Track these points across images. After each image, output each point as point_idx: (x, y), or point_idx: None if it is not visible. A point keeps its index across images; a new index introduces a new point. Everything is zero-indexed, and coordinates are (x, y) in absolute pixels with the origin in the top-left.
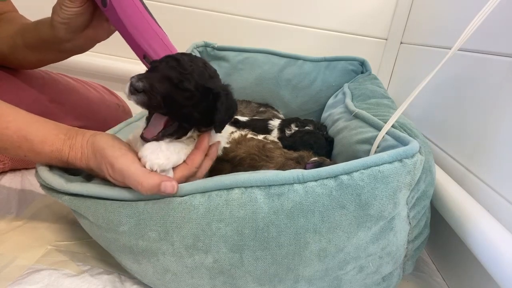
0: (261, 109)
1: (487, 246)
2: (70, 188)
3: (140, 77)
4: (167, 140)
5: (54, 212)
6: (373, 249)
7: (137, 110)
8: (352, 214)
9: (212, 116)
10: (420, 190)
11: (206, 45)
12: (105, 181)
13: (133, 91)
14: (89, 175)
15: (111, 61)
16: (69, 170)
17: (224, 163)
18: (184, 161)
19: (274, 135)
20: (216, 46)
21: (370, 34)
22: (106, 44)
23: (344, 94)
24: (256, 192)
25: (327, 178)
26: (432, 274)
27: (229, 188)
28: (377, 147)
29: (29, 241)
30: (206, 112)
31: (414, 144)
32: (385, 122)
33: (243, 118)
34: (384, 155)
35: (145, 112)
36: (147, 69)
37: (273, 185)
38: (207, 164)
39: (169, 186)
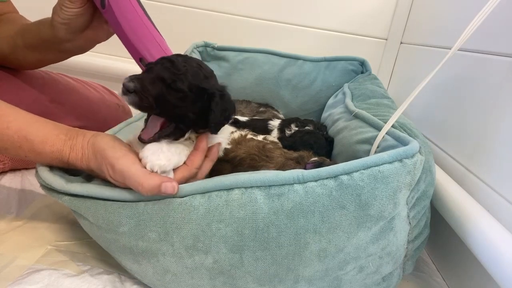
0: (261, 109)
1: (487, 246)
2: (70, 188)
3: (132, 77)
4: (168, 141)
5: (54, 212)
6: (373, 249)
7: (137, 110)
8: (352, 214)
9: (208, 117)
10: (420, 190)
11: (206, 45)
12: (105, 181)
13: (125, 91)
14: (89, 176)
15: (111, 61)
16: (69, 170)
17: (224, 164)
18: (184, 163)
19: (274, 135)
20: (216, 46)
21: (370, 34)
22: (106, 44)
23: (344, 94)
24: (256, 192)
25: (327, 178)
26: (432, 274)
27: (229, 189)
28: (377, 147)
29: (29, 241)
30: (201, 113)
31: (414, 144)
32: (385, 122)
33: (243, 118)
34: (384, 155)
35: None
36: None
37: (273, 185)
38: (208, 165)
39: (170, 186)
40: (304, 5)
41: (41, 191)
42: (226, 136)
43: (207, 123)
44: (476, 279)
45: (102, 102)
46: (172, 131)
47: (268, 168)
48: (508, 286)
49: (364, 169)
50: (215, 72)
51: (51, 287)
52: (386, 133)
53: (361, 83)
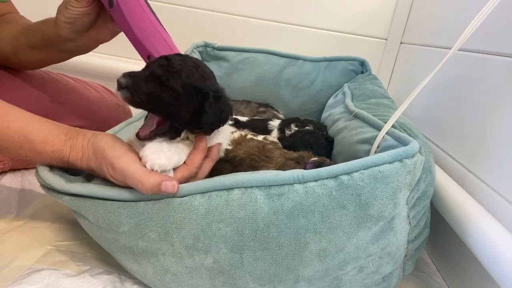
0: (261, 109)
1: (487, 246)
2: (70, 188)
3: (126, 74)
4: (168, 141)
5: (54, 212)
6: (373, 249)
7: (137, 110)
8: (352, 214)
9: (202, 118)
10: (420, 190)
11: (206, 45)
12: (106, 181)
13: (118, 86)
14: (89, 176)
15: (111, 61)
16: (69, 170)
17: (224, 164)
18: (184, 162)
19: (274, 135)
20: (216, 46)
21: (370, 34)
22: (106, 44)
23: (344, 94)
24: (256, 192)
25: (327, 178)
26: (432, 274)
27: (229, 189)
28: (377, 147)
29: (29, 241)
30: (196, 113)
31: (414, 144)
32: (385, 122)
33: (243, 118)
34: (384, 155)
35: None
36: None
37: (273, 185)
38: (208, 165)
39: (170, 185)
40: (304, 5)
41: (41, 191)
42: (226, 136)
43: (201, 124)
44: (476, 279)
45: (102, 102)
46: (167, 129)
47: (268, 168)
48: (508, 286)
49: (364, 169)
50: (215, 72)
51: (51, 287)
52: (386, 133)
53: (361, 83)
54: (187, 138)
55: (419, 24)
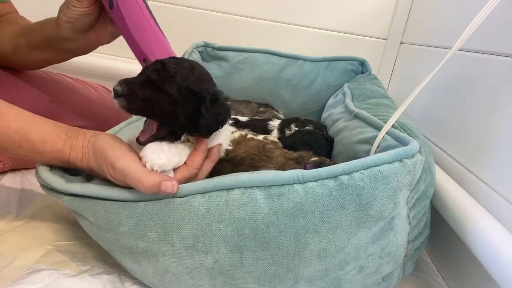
0: (261, 109)
1: (487, 246)
2: (70, 188)
3: (121, 81)
4: (168, 141)
5: (54, 212)
6: (373, 249)
7: None
8: (352, 214)
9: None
10: (420, 190)
11: (206, 45)
12: (106, 181)
13: (114, 95)
14: (89, 176)
15: (111, 61)
16: (69, 170)
17: (224, 163)
18: (185, 163)
19: (274, 135)
20: (216, 46)
21: (370, 34)
22: (106, 44)
23: (344, 94)
24: (256, 192)
25: (327, 178)
26: (432, 274)
27: (229, 189)
28: (377, 147)
29: (29, 241)
30: (193, 116)
31: (414, 144)
32: (385, 122)
33: (243, 118)
34: (384, 155)
35: None
36: None
37: (273, 185)
38: (208, 166)
39: (170, 185)
40: (304, 5)
41: (41, 191)
42: (227, 137)
43: (199, 127)
44: (476, 279)
45: (102, 102)
46: (166, 134)
47: (268, 168)
48: (508, 286)
49: (364, 169)
50: (215, 72)
51: (51, 287)
52: (386, 133)
53: (361, 83)
54: (188, 140)
55: (419, 24)
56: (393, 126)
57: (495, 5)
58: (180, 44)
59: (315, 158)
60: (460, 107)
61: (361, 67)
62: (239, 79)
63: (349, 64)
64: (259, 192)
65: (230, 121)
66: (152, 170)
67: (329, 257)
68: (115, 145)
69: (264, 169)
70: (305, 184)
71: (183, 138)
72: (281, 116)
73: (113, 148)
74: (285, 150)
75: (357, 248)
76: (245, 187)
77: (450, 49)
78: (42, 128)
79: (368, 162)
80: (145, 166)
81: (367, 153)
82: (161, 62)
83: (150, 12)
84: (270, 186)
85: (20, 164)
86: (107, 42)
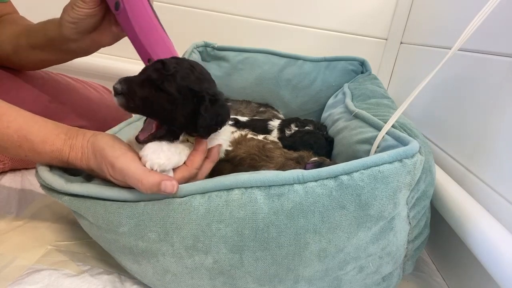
0: (261, 109)
1: (487, 246)
2: (70, 188)
3: (121, 80)
4: (168, 141)
5: (54, 212)
6: (373, 249)
7: None
8: (352, 215)
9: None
10: (420, 190)
11: (206, 45)
12: (105, 181)
13: (114, 93)
14: (89, 176)
15: (111, 61)
16: (69, 170)
17: (224, 163)
18: (184, 163)
19: (274, 135)
20: (216, 46)
21: (370, 34)
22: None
23: (344, 94)
24: (256, 192)
25: (327, 178)
26: (432, 274)
27: (229, 189)
28: (377, 147)
29: (29, 241)
30: (192, 116)
31: (414, 144)
32: (385, 122)
33: (243, 118)
34: (384, 155)
35: None
36: None
37: (273, 185)
38: (208, 166)
39: (169, 185)
40: (304, 5)
41: (41, 191)
42: (227, 137)
43: (197, 127)
44: (476, 279)
45: (102, 102)
46: (165, 133)
47: (268, 168)
48: (508, 286)
49: (364, 169)
50: (215, 72)
51: (51, 287)
52: (386, 133)
53: (361, 83)
54: (187, 141)
55: (419, 24)
56: (393, 126)
57: (495, 5)
58: (180, 44)
59: (315, 158)
60: (460, 107)
61: (361, 67)
62: (239, 79)
63: (349, 64)
64: (259, 192)
65: (230, 122)
66: (152, 169)
67: (329, 257)
68: (114, 145)
69: (264, 169)
70: (305, 184)
71: (181, 138)
72: (281, 116)
73: (112, 148)
74: (285, 150)
75: (357, 248)
76: (245, 187)
77: (450, 49)
78: (41, 128)
79: (368, 162)
80: (144, 166)
81: (367, 153)
82: (161, 62)
83: (155, 13)
84: (270, 186)
85: (20, 164)
86: (109, 44)
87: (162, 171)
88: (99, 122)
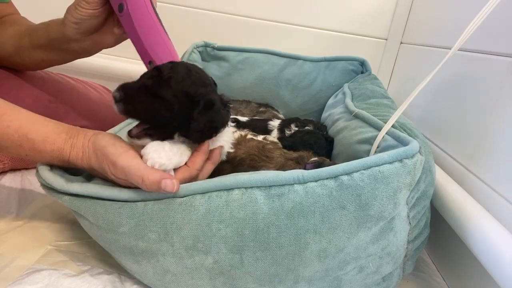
0: (261, 109)
1: (487, 246)
2: (70, 188)
3: (119, 87)
4: (171, 141)
5: (54, 212)
6: (373, 249)
7: None
8: (352, 215)
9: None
10: (420, 190)
11: (206, 45)
12: (106, 181)
13: (114, 100)
14: (89, 175)
15: (111, 61)
16: (70, 170)
17: (224, 164)
18: (186, 164)
19: (274, 135)
20: (216, 46)
21: (370, 34)
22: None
23: (344, 94)
24: (256, 192)
25: (327, 178)
26: (432, 274)
27: (229, 189)
28: (377, 147)
29: (29, 241)
30: (186, 119)
31: (414, 144)
32: (385, 122)
33: (243, 118)
34: (384, 155)
35: None
36: None
37: (273, 185)
38: (209, 168)
39: (169, 184)
40: (304, 5)
41: (41, 191)
42: (229, 139)
43: (189, 131)
44: (476, 279)
45: (102, 102)
46: (155, 131)
47: (268, 168)
48: (508, 286)
49: (364, 169)
50: (215, 72)
51: (51, 287)
52: (386, 133)
53: (361, 83)
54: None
55: (419, 24)
56: (393, 126)
57: (495, 5)
58: (180, 44)
59: (315, 158)
60: (460, 107)
61: (361, 67)
62: (239, 79)
63: (349, 64)
64: (259, 192)
65: (231, 123)
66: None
67: (329, 257)
68: (116, 144)
69: (264, 169)
70: (305, 184)
71: (176, 138)
72: (281, 116)
73: (114, 146)
74: (285, 150)
75: (357, 248)
76: (245, 188)
77: (450, 49)
78: (42, 127)
79: (368, 162)
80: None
81: (367, 153)
82: (157, 68)
83: (158, 17)
84: (270, 186)
85: (20, 164)
86: (111, 46)
87: (163, 171)
88: (99, 122)
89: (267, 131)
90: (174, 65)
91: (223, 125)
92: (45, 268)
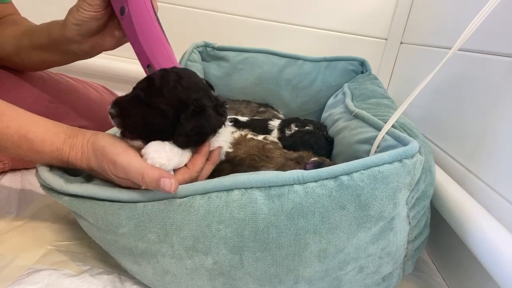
0: (261, 109)
1: (487, 246)
2: (69, 189)
3: (114, 103)
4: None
5: (54, 212)
6: (373, 250)
7: None
8: (352, 215)
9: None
10: (420, 190)
11: (206, 45)
12: (105, 182)
13: (110, 117)
14: (89, 176)
15: (111, 61)
16: (69, 170)
17: (224, 163)
18: (185, 165)
19: (274, 135)
20: (216, 46)
21: (370, 34)
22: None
23: (344, 94)
24: (256, 193)
25: (327, 178)
26: (432, 274)
27: (229, 190)
28: (377, 147)
29: (29, 241)
30: (175, 123)
31: (414, 144)
32: (385, 122)
33: (243, 118)
34: (384, 155)
35: None
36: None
37: (273, 186)
38: (208, 169)
39: (168, 183)
40: (304, 5)
41: (41, 191)
42: (227, 139)
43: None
44: (476, 279)
45: (102, 102)
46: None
47: (268, 168)
48: (508, 286)
49: (364, 170)
50: (215, 72)
51: (51, 287)
52: (386, 133)
53: (361, 83)
54: None
55: (419, 24)
56: (393, 126)
57: (495, 5)
58: (180, 44)
59: (315, 158)
60: (460, 107)
61: (361, 67)
62: (239, 79)
63: (349, 64)
64: (259, 193)
65: (230, 122)
66: None
67: (329, 258)
68: (115, 143)
69: (263, 169)
70: (305, 184)
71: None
72: (281, 116)
73: (113, 146)
74: (285, 150)
75: (357, 249)
76: (245, 188)
77: (450, 49)
78: (41, 128)
79: (368, 162)
80: None
81: (367, 153)
82: (148, 78)
83: (158, 21)
84: (270, 186)
85: (20, 164)
86: (111, 49)
87: None
88: (99, 122)
89: (267, 131)
90: (164, 73)
91: (213, 130)
92: (45, 268)
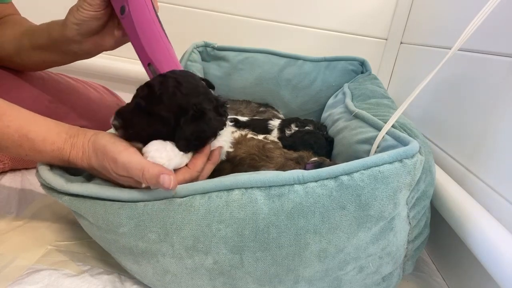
0: (261, 109)
1: (487, 246)
2: (70, 188)
3: (116, 114)
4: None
5: (54, 212)
6: (373, 250)
7: None
8: (352, 215)
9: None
10: (420, 190)
11: (206, 45)
12: (106, 181)
13: (114, 128)
14: (89, 176)
15: (111, 61)
16: (70, 170)
17: (224, 163)
18: (186, 165)
19: (274, 135)
20: (216, 46)
21: (370, 34)
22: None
23: (344, 94)
24: (256, 193)
25: (327, 178)
26: (432, 274)
27: (229, 189)
28: (377, 147)
29: (29, 241)
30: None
31: (414, 144)
32: (385, 122)
33: (243, 118)
34: (384, 155)
35: None
36: (149, 78)
37: (273, 186)
38: (209, 169)
39: (167, 179)
40: (304, 5)
41: (41, 191)
42: (228, 139)
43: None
44: (476, 279)
45: (102, 102)
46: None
47: (268, 168)
48: (508, 286)
49: (364, 170)
50: (215, 72)
51: (51, 287)
52: (386, 133)
53: (361, 83)
54: None
55: (419, 24)
56: (393, 126)
57: (495, 5)
58: (180, 44)
59: (315, 158)
60: (460, 107)
61: (361, 67)
62: (239, 79)
63: (349, 64)
64: (259, 192)
65: (230, 122)
66: None
67: (329, 258)
68: (116, 142)
69: (264, 169)
70: (305, 184)
71: None
72: (281, 116)
73: (114, 145)
74: (285, 150)
75: (357, 249)
76: (245, 188)
77: (450, 49)
78: (42, 127)
79: (368, 162)
80: None
81: (367, 153)
82: (147, 85)
83: (159, 20)
84: (270, 186)
85: (20, 164)
86: (111, 49)
87: None
88: (99, 122)
89: (267, 131)
90: (163, 80)
91: (214, 134)
92: (45, 268)
